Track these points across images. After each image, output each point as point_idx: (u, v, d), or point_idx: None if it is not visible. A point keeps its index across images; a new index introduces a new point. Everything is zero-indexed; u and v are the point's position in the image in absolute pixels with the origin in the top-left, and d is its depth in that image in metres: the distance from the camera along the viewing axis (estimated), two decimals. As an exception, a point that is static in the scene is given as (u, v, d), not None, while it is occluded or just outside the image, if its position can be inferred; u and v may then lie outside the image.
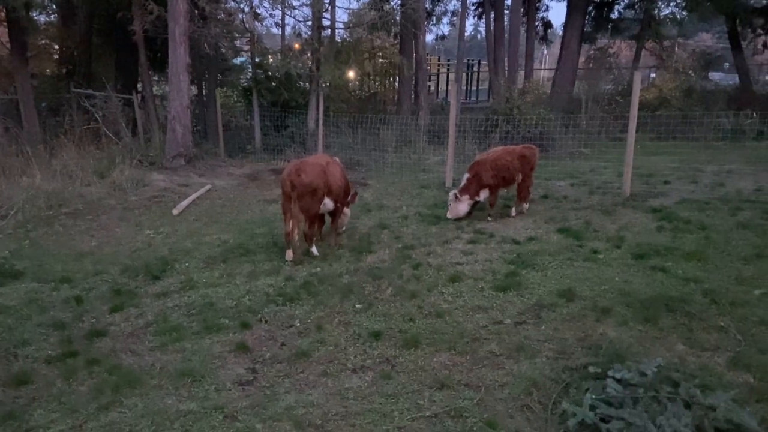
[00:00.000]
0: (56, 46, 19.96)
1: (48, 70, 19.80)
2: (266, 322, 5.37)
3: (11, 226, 8.30)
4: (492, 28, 19.59)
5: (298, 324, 5.30)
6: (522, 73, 21.30)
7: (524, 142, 11.30)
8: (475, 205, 8.61)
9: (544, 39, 25.72)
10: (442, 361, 4.51)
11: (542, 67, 38.31)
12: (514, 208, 8.65)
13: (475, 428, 3.64)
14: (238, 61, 19.71)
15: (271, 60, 15.67)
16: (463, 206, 8.34)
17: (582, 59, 22.78)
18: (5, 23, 14.24)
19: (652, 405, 3.47)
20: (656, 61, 24.15)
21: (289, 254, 6.93)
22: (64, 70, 17.95)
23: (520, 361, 4.46)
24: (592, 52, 23.98)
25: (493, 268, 6.46)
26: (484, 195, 8.37)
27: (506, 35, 20.17)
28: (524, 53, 22.11)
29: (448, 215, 8.44)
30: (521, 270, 6.33)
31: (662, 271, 6.12)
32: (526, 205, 8.71)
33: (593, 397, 3.57)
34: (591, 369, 3.96)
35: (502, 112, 13.94)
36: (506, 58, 19.36)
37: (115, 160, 11.29)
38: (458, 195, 8.29)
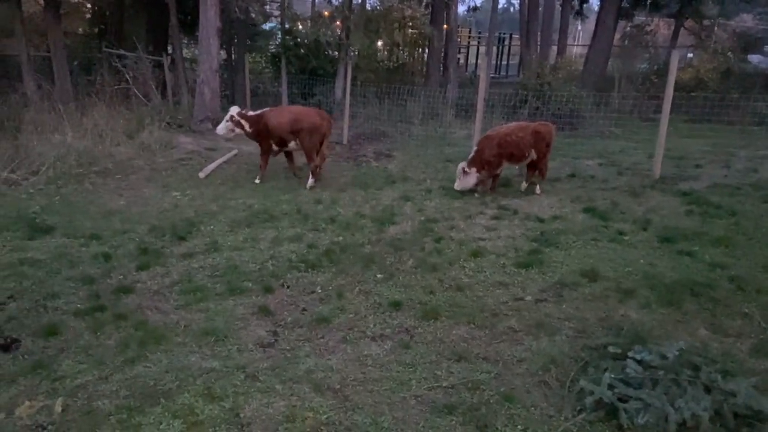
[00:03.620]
0: (88, 5, 20.06)
1: (80, 29, 19.95)
2: (288, 287, 5.45)
3: (43, 182, 8.47)
4: (526, 1, 19.14)
5: (320, 290, 5.37)
6: (555, 48, 20.85)
7: (554, 119, 11.15)
8: (496, 179, 8.55)
9: (580, 14, 25.05)
10: (461, 334, 4.54)
11: (575, 43, 37.45)
12: (538, 186, 8.57)
13: (491, 401, 3.67)
14: (267, 26, 19.63)
15: (300, 27, 15.56)
16: (471, 179, 8.29)
17: (617, 36, 22.17)
18: (40, -20, 14.34)
19: (671, 387, 3.47)
20: (695, 40, 23.42)
21: (311, 182, 8.79)
22: (95, 30, 18.07)
23: (539, 337, 4.47)
24: (628, 29, 23.32)
25: (516, 244, 6.43)
26: (499, 168, 8.40)
27: (540, 9, 19.69)
28: (558, 28, 21.60)
29: (456, 187, 8.43)
30: (544, 248, 6.29)
31: (689, 256, 6.04)
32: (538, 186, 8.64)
33: (612, 376, 3.57)
34: (611, 349, 3.94)
35: (532, 88, 13.70)
36: (539, 33, 18.94)
37: (144, 121, 11.41)
38: (466, 168, 8.26)
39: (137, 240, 6.48)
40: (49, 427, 3.42)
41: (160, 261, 5.92)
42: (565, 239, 6.56)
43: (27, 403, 3.62)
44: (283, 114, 8.96)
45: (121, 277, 5.52)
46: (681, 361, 3.64)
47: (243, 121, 8.76)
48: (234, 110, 8.83)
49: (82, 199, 7.99)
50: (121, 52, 14.50)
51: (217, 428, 3.41)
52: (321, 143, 8.86)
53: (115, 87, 13.26)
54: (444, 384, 3.86)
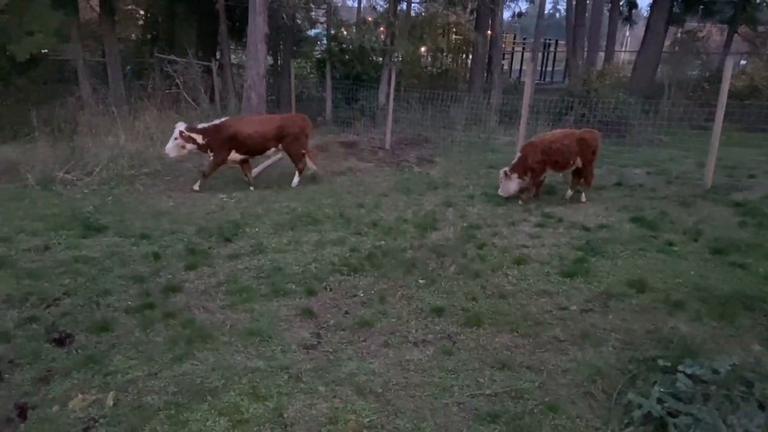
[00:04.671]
0: (141, 12, 20.75)
1: (133, 35, 20.65)
2: (331, 290, 5.49)
3: (96, 183, 8.79)
4: (573, 6, 18.86)
5: (362, 294, 5.40)
6: (602, 54, 20.47)
7: (600, 126, 10.95)
8: (540, 186, 8.45)
9: (628, 19, 24.54)
10: (504, 342, 4.50)
11: (623, 49, 36.67)
12: (584, 194, 8.42)
13: (535, 411, 3.62)
14: (312, 33, 19.91)
15: (345, 33, 15.73)
16: (512, 184, 8.21)
17: (667, 42, 21.63)
18: (97, -12, 14.90)
19: (723, 403, 3.36)
20: (749, 47, 22.63)
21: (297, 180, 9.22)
22: (148, 36, 18.69)
23: (584, 348, 4.38)
24: (679, 35, 22.73)
25: (561, 253, 6.33)
26: (543, 175, 8.29)
27: (588, 14, 19.38)
28: (605, 34, 21.21)
29: (500, 192, 8.36)
30: (590, 257, 6.17)
31: (741, 268, 5.83)
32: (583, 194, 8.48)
33: (661, 390, 3.48)
34: (660, 362, 3.84)
35: (578, 95, 13.49)
36: (586, 39, 18.63)
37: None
38: (508, 173, 8.17)
39: (185, 240, 6.65)
40: (101, 420, 3.54)
41: (207, 261, 6.06)
42: (611, 248, 6.42)
43: (80, 396, 3.75)
44: (253, 122, 9.10)
45: (170, 276, 5.67)
46: (733, 377, 3.52)
47: (194, 135, 8.56)
48: (180, 126, 8.61)
49: (133, 199, 8.26)
50: (172, 57, 14.94)
51: (262, 427, 3.46)
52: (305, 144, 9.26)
53: (166, 91, 13.67)
54: (487, 392, 3.83)
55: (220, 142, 8.65)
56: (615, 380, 3.93)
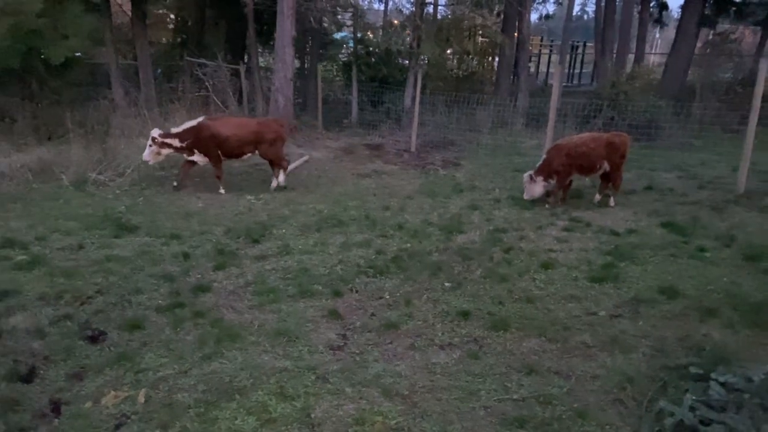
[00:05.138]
0: (172, 16, 21.10)
1: (164, 39, 20.99)
2: (357, 291, 5.52)
3: (128, 183, 8.96)
4: (602, 7, 18.64)
5: (388, 296, 5.41)
6: (631, 56, 20.17)
7: (629, 129, 10.80)
8: (567, 189, 8.37)
9: (659, 21, 24.14)
10: (531, 347, 4.47)
11: (653, 51, 36.10)
12: (612, 198, 8.31)
13: (564, 417, 3.59)
14: (338, 36, 20.03)
15: (371, 36, 15.77)
16: (538, 187, 8.14)
17: (699, 44, 21.21)
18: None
19: (757, 412, 3.28)
20: (784, 49, 22.04)
21: (282, 180, 9.21)
22: (178, 39, 18.96)
23: (614, 354, 4.33)
24: (710, 37, 22.27)
25: (589, 258, 6.26)
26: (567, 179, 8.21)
27: (617, 16, 19.13)
28: (635, 36, 20.90)
29: (525, 196, 8.29)
30: (619, 262, 6.09)
31: (776, 276, 5.70)
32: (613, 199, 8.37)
33: (694, 398, 3.41)
34: (692, 370, 3.78)
35: (607, 97, 13.32)
36: (616, 41, 18.39)
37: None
38: (533, 176, 8.11)
39: (214, 241, 6.74)
40: (133, 416, 3.61)
41: (236, 262, 6.13)
42: (641, 254, 6.33)
43: (112, 393, 3.83)
44: (230, 124, 8.97)
45: (199, 276, 5.76)
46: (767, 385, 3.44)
47: (168, 140, 8.56)
48: (154, 132, 8.61)
49: (163, 200, 8.40)
50: (202, 60, 15.16)
51: (289, 427, 3.49)
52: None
53: (195, 94, 13.87)
54: (514, 396, 3.81)
55: (204, 142, 8.63)
56: (645, 387, 3.88)
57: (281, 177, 9.21)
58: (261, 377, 3.98)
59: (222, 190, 8.85)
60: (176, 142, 8.61)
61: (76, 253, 6.23)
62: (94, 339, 4.52)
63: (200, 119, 8.87)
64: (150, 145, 8.54)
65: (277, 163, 9.17)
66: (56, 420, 3.58)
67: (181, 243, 6.61)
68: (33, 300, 5.07)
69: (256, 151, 8.99)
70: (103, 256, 6.11)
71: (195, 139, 8.61)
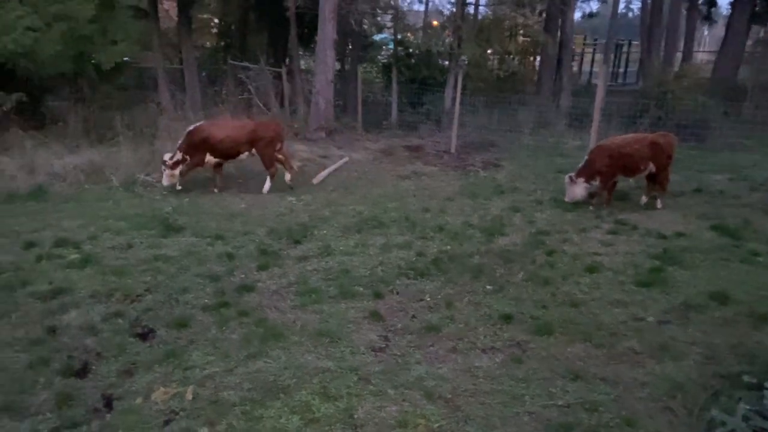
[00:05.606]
0: (216, 20, 21.55)
1: (207, 43, 21.44)
2: (398, 293, 5.52)
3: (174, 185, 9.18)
4: (649, 5, 18.17)
5: (429, 299, 5.40)
6: (679, 55, 19.60)
7: (676, 130, 10.49)
8: (612, 191, 8.19)
9: (707, 18, 23.39)
10: (576, 352, 4.39)
11: (700, 49, 34.98)
12: (659, 200, 8.09)
13: (611, 424, 3.52)
14: (377, 37, 20.08)
15: (411, 37, 15.76)
16: (579, 189, 8.02)
17: (749, 42, 20.46)
18: (176, -2, 15.58)
19: (816, 425, 3.14)
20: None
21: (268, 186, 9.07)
22: (221, 43, 19.35)
23: (663, 361, 4.22)
24: (762, 34, 21.46)
25: (635, 261, 6.11)
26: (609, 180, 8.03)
27: (664, 13, 18.62)
28: (683, 34, 20.29)
29: (566, 198, 8.18)
30: (667, 266, 5.93)
31: (835, 282, 5.45)
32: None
33: (747, 407, 3.29)
34: (745, 378, 3.64)
35: (654, 97, 12.97)
36: (663, 39, 17.90)
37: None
38: (573, 177, 7.97)
39: (257, 241, 6.84)
40: (181, 413, 3.70)
41: (278, 262, 6.21)
42: (690, 258, 6.15)
43: (162, 389, 3.93)
44: (225, 126, 9.07)
45: (243, 276, 5.86)
46: (828, 397, 3.29)
47: (176, 157, 8.70)
48: (166, 156, 8.76)
49: (208, 201, 8.58)
50: (245, 64, 15.42)
51: (333, 427, 3.52)
52: (281, 150, 9.20)
53: (239, 97, 14.11)
54: (559, 402, 3.75)
55: (194, 145, 8.71)
56: (696, 396, 3.77)
57: (268, 184, 9.13)
58: (304, 377, 4.03)
59: (216, 190, 9.01)
60: (180, 156, 8.76)
61: (126, 252, 6.41)
62: (143, 336, 4.65)
63: (198, 123, 9.09)
64: (164, 171, 8.75)
65: (268, 164, 9.11)
66: (108, 415, 3.69)
67: (226, 243, 6.73)
68: (85, 297, 5.25)
69: (253, 150, 9.01)
70: (151, 256, 6.27)
71: (188, 144, 8.70)
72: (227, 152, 8.94)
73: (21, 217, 7.46)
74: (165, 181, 8.83)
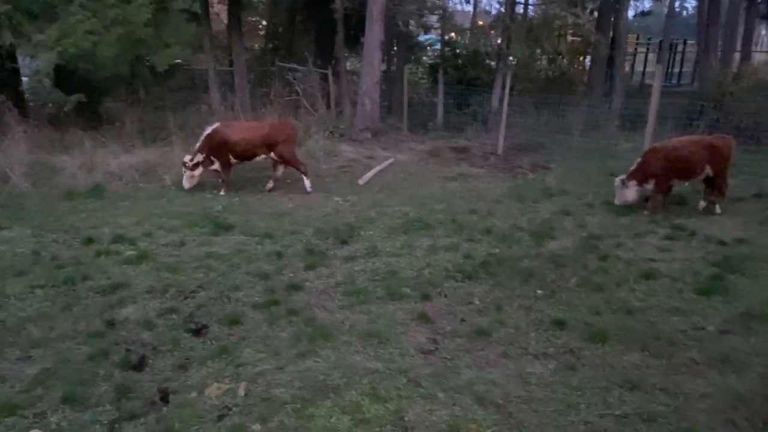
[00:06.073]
0: (264, 23, 21.91)
1: (256, 45, 21.81)
2: (446, 296, 5.48)
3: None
4: (706, 3, 17.56)
5: (478, 302, 5.33)
6: (737, 55, 18.86)
7: (735, 132, 10.09)
8: (668, 194, 7.93)
9: (767, 17, 22.47)
10: (633, 361, 4.26)
11: (759, 49, 33.59)
12: (718, 205, 7.79)
13: (671, 436, 3.40)
14: (423, 38, 20.03)
15: (458, 37, 15.64)
16: (630, 192, 7.81)
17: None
18: (227, 0, 15.89)
19: None
20: None
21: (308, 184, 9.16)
22: (270, 45, 19.65)
23: (725, 372, 4.05)
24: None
25: (694, 268, 5.90)
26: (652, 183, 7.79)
27: (721, 12, 17.94)
28: (740, 33, 19.53)
29: (616, 201, 7.98)
30: (728, 274, 5.70)
31: None
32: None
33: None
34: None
35: (711, 98, 12.52)
36: (720, 38, 17.25)
37: (311, 130, 12.16)
38: (624, 180, 7.76)
39: (304, 241, 6.90)
40: (234, 408, 3.75)
41: (325, 262, 6.25)
42: (752, 266, 5.90)
43: (215, 384, 4.00)
44: (241, 129, 9.11)
45: (292, 274, 5.92)
46: None
47: (195, 159, 8.81)
48: (186, 158, 8.87)
49: (256, 200, 8.71)
50: (292, 65, 15.61)
51: (383, 429, 3.51)
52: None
53: (286, 98, 14.29)
54: (616, 412, 3.64)
55: (216, 148, 8.80)
56: (760, 408, 3.62)
57: (307, 183, 9.18)
58: (354, 377, 4.03)
59: (222, 192, 9.00)
60: (200, 158, 8.88)
61: (179, 249, 6.57)
62: (197, 332, 4.74)
63: (214, 125, 9.13)
64: (185, 172, 8.88)
65: (293, 164, 9.19)
66: (165, 408, 3.77)
67: (274, 242, 6.82)
68: (141, 293, 5.40)
69: (272, 154, 9.05)
70: (204, 253, 6.40)
71: (209, 147, 8.81)
72: (243, 154, 9.03)
73: (81, 214, 7.75)
74: (185, 183, 8.96)
